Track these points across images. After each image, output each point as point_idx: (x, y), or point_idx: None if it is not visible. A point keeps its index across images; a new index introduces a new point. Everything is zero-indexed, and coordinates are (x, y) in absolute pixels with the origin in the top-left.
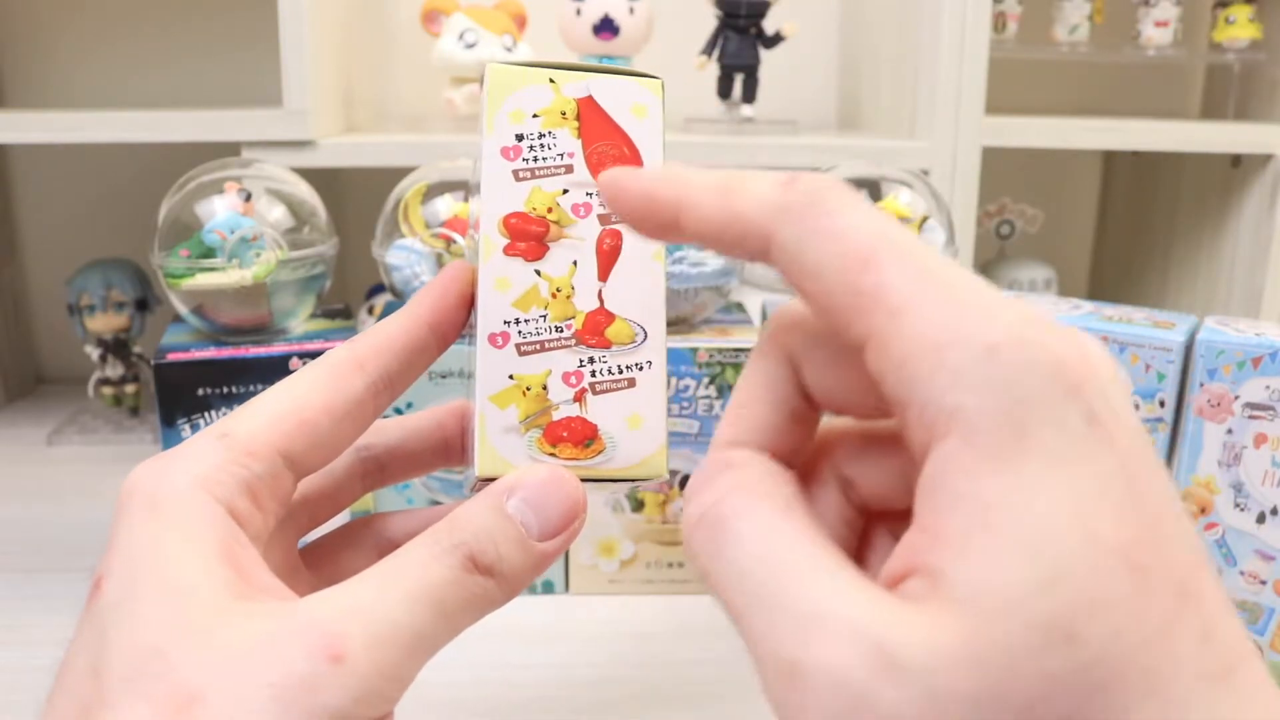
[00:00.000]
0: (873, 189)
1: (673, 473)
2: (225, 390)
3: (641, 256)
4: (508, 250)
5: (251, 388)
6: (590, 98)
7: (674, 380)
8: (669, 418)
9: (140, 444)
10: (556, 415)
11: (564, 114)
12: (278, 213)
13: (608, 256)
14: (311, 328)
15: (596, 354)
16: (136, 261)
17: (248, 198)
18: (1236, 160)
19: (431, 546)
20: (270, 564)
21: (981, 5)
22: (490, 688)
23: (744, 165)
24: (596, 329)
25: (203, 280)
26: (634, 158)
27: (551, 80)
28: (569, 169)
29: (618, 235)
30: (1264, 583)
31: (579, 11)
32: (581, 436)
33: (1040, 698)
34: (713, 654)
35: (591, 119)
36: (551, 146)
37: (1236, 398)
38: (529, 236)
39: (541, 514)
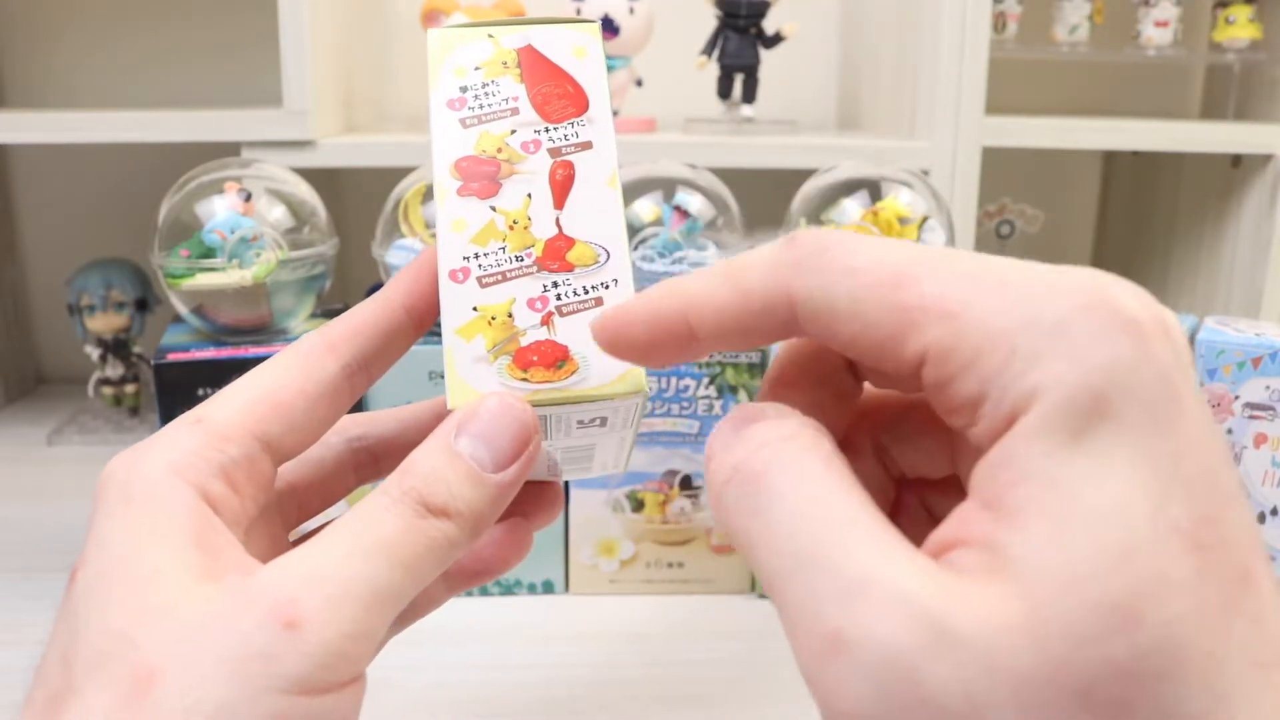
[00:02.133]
0: (873, 189)
1: (672, 472)
2: None
3: (597, 182)
4: (461, 191)
5: None
6: (529, 46)
7: (674, 380)
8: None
9: None
10: (525, 340)
11: (505, 64)
12: (278, 213)
13: (562, 185)
14: (312, 327)
15: (560, 277)
16: (137, 261)
17: (248, 198)
18: (1236, 160)
19: (382, 498)
20: (257, 554)
21: (981, 5)
22: (490, 688)
23: (744, 165)
24: (557, 254)
25: (203, 280)
26: (578, 95)
27: (490, 35)
28: (514, 111)
29: (570, 165)
30: None
31: (579, 11)
32: (553, 358)
33: (1099, 680)
34: (713, 654)
35: (532, 64)
36: (495, 93)
37: (1236, 398)
38: (480, 176)
39: (492, 445)
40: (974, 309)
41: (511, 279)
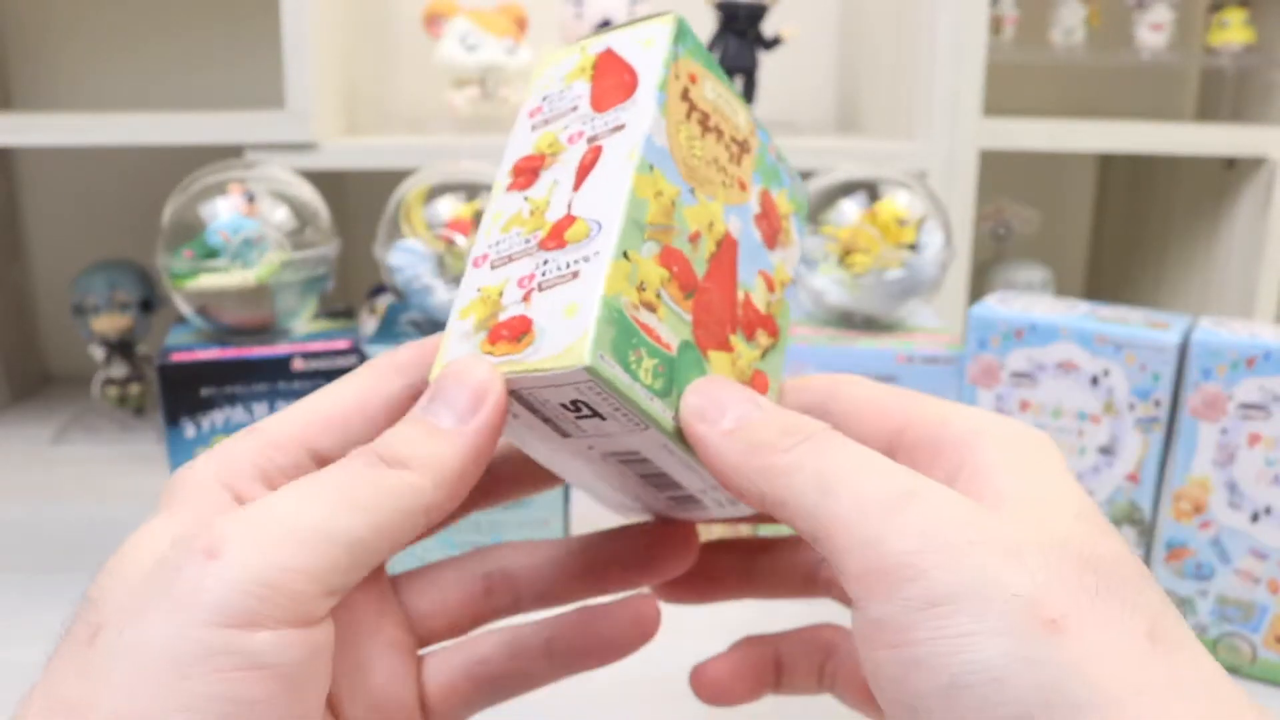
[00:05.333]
0: (871, 190)
1: None
2: (228, 390)
3: (617, 158)
4: (509, 188)
5: (255, 387)
6: (609, 49)
7: None
8: (651, 328)
9: (144, 443)
10: (502, 316)
11: (584, 69)
12: (281, 214)
13: (585, 169)
14: (314, 328)
15: (551, 255)
16: (141, 262)
17: (251, 199)
18: (1231, 163)
19: (340, 460)
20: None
21: (979, 8)
22: None
23: None
24: (558, 233)
25: (206, 281)
26: (630, 82)
27: (583, 47)
28: (574, 108)
29: (599, 149)
30: (1258, 581)
31: (579, 14)
32: (517, 332)
33: (1094, 559)
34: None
35: (605, 65)
36: (566, 96)
37: (1230, 398)
38: (526, 171)
39: (450, 403)
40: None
41: (515, 260)
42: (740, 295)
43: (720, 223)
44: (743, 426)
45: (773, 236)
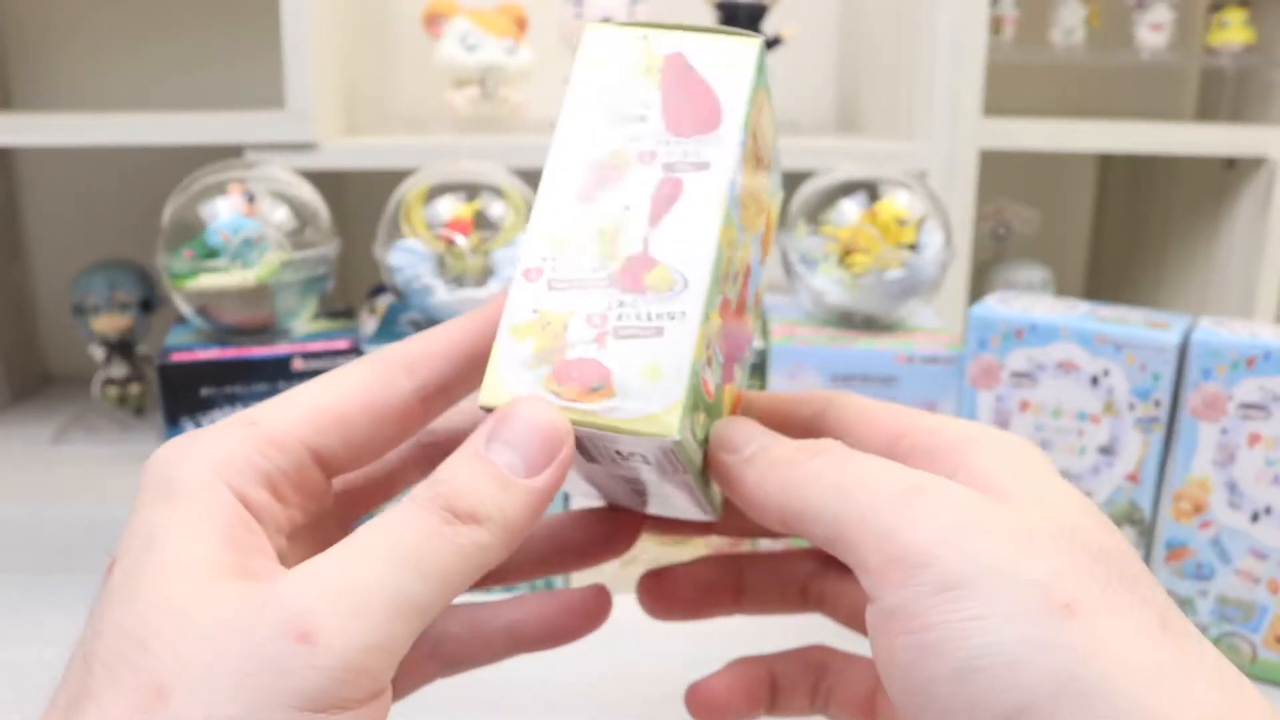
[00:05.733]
0: (871, 190)
1: None
2: (228, 390)
3: (700, 206)
4: (570, 195)
5: (254, 387)
6: (680, 54)
7: None
8: (706, 382)
9: (144, 443)
10: (570, 354)
11: (649, 68)
12: (281, 214)
13: (662, 203)
14: (314, 328)
15: (629, 297)
16: (141, 262)
17: (251, 199)
18: (1231, 163)
19: (408, 504)
20: (310, 554)
21: (979, 8)
22: (489, 686)
23: None
24: (636, 274)
25: (206, 281)
26: (712, 111)
27: (645, 38)
28: (643, 118)
29: (678, 184)
30: (1258, 581)
31: (579, 14)
32: (591, 379)
33: (1104, 551)
34: (712, 654)
35: (676, 73)
36: (630, 96)
37: (1230, 398)
38: (589, 180)
39: (521, 449)
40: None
41: (582, 288)
42: (749, 324)
43: (747, 253)
44: (763, 451)
45: (766, 249)
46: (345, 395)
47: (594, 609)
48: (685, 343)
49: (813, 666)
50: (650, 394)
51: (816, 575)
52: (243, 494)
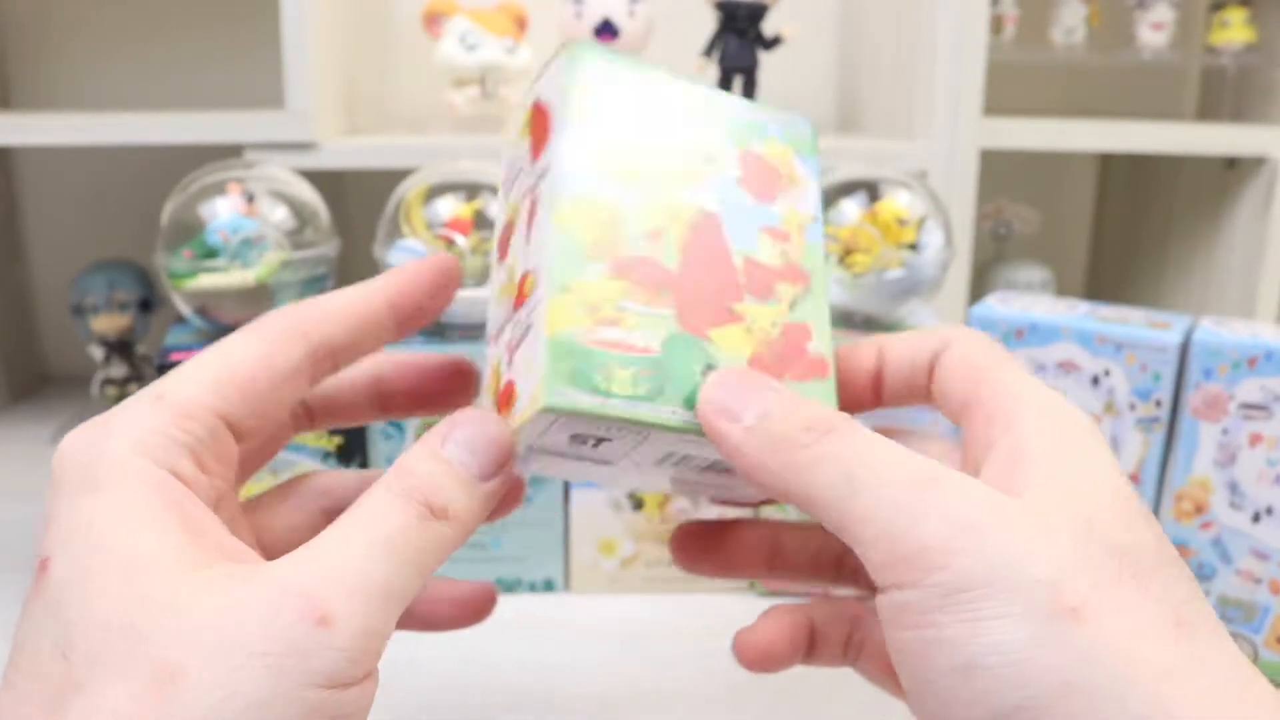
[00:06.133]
0: (871, 190)
1: None
2: None
3: (546, 200)
4: (498, 261)
5: None
6: (537, 100)
7: None
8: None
9: None
10: (502, 382)
11: (526, 124)
12: (280, 214)
13: (529, 221)
14: None
15: (518, 315)
16: (140, 262)
17: (250, 199)
18: (1232, 162)
19: (386, 494)
20: (229, 522)
21: (979, 8)
22: (490, 686)
23: None
24: (521, 292)
25: (206, 281)
26: (547, 121)
27: (524, 104)
28: (522, 168)
29: (536, 197)
30: (1259, 581)
31: (579, 14)
32: (507, 396)
33: (1122, 547)
34: (712, 653)
35: (537, 114)
36: (518, 156)
37: (1232, 398)
38: (504, 241)
39: (477, 455)
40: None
41: (503, 328)
42: (738, 261)
43: (687, 207)
44: (764, 421)
45: (769, 189)
46: (244, 361)
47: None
48: (541, 321)
49: (846, 618)
50: (530, 381)
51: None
52: (174, 468)
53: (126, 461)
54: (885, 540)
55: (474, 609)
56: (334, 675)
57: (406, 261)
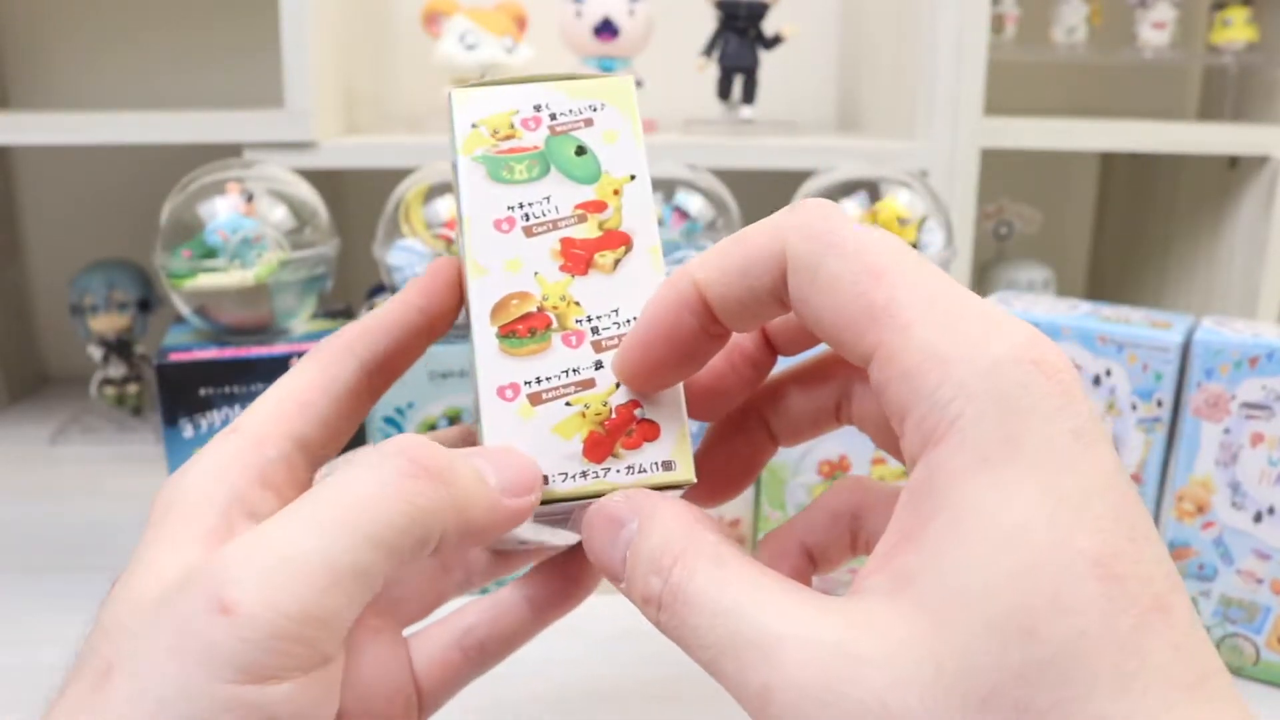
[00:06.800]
0: (871, 190)
1: None
2: (227, 390)
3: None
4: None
5: (253, 387)
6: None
7: None
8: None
9: (143, 444)
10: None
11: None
12: (279, 213)
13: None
14: (313, 328)
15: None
16: (139, 262)
17: (250, 198)
18: (1233, 162)
19: (367, 454)
20: None
21: (980, 7)
22: (489, 686)
23: (744, 166)
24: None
25: (205, 281)
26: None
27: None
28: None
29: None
30: (1261, 581)
31: (579, 13)
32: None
33: (998, 686)
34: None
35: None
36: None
37: (1233, 397)
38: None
39: (501, 472)
40: (925, 328)
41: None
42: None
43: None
44: (629, 564)
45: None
46: (303, 384)
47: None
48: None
49: (844, 519)
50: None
51: (845, 397)
52: (240, 493)
53: (195, 488)
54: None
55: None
56: (246, 668)
57: (428, 264)
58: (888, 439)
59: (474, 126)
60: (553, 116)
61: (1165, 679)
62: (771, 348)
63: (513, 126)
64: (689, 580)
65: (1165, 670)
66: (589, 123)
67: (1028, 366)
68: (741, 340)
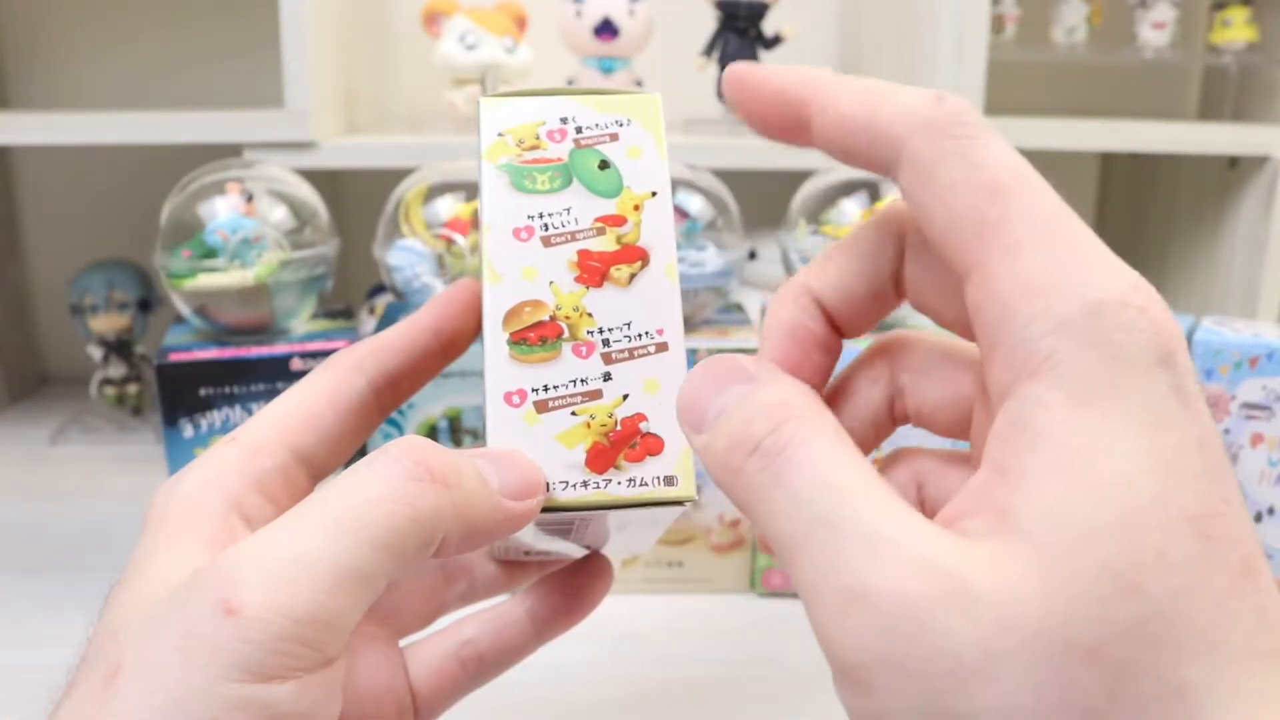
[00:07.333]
0: (871, 189)
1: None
2: (227, 390)
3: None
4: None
5: (253, 387)
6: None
7: None
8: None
9: (142, 444)
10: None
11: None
12: (279, 213)
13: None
14: (313, 328)
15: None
16: (139, 262)
17: (249, 199)
18: (1233, 162)
19: (373, 456)
20: None
21: (980, 7)
22: (489, 687)
23: (743, 166)
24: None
25: (205, 281)
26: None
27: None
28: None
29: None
30: None
31: (579, 13)
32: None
33: (1105, 639)
34: (713, 653)
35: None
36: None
37: (1233, 398)
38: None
39: (503, 473)
40: (1033, 254)
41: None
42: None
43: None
44: (715, 431)
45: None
46: (308, 397)
47: (601, 569)
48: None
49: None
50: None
51: (897, 392)
52: (236, 500)
53: (192, 495)
54: (823, 645)
55: (598, 574)
56: (252, 669)
57: (447, 289)
58: (953, 423)
59: (500, 135)
60: (578, 130)
61: (1249, 646)
62: (837, 330)
63: (538, 137)
64: (805, 441)
65: (1249, 636)
66: (614, 137)
67: (1133, 312)
68: (807, 322)
